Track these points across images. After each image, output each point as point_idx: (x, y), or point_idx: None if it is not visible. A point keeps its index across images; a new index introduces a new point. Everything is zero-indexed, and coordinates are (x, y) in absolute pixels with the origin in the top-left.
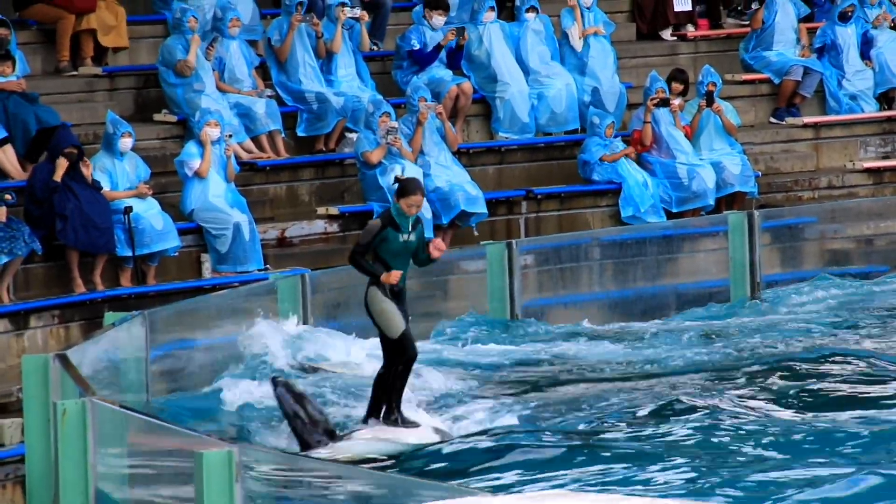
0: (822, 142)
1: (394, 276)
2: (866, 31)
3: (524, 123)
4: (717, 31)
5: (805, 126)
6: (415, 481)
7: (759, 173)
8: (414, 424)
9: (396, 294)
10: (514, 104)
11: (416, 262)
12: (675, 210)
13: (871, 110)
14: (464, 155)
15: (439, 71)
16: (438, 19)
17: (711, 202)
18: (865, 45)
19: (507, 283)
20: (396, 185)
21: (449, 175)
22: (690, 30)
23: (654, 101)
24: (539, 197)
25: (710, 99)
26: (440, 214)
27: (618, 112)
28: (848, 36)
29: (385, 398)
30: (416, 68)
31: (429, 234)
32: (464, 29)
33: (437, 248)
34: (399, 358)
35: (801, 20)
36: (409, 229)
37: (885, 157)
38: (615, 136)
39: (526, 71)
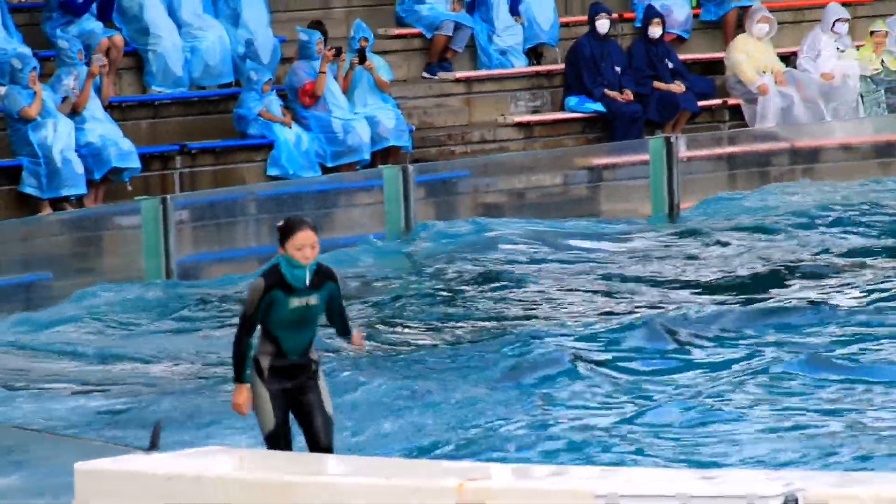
0: (474, 96)
1: (238, 407)
2: None
3: (178, 77)
4: None
5: (457, 81)
6: (66, 439)
7: (413, 127)
8: None
9: (285, 370)
10: (166, 57)
11: (337, 334)
12: (330, 164)
13: (520, 65)
14: (116, 109)
15: (90, 23)
16: None
17: (367, 156)
18: (515, 1)
19: (163, 239)
20: (278, 233)
21: (102, 129)
22: None
23: (332, 52)
24: (194, 152)
25: (362, 56)
26: (93, 170)
27: (272, 65)
28: None
29: None
30: (66, 20)
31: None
32: None
33: (359, 344)
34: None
35: None
36: (308, 288)
37: (535, 111)
38: (271, 91)
39: (178, 23)
